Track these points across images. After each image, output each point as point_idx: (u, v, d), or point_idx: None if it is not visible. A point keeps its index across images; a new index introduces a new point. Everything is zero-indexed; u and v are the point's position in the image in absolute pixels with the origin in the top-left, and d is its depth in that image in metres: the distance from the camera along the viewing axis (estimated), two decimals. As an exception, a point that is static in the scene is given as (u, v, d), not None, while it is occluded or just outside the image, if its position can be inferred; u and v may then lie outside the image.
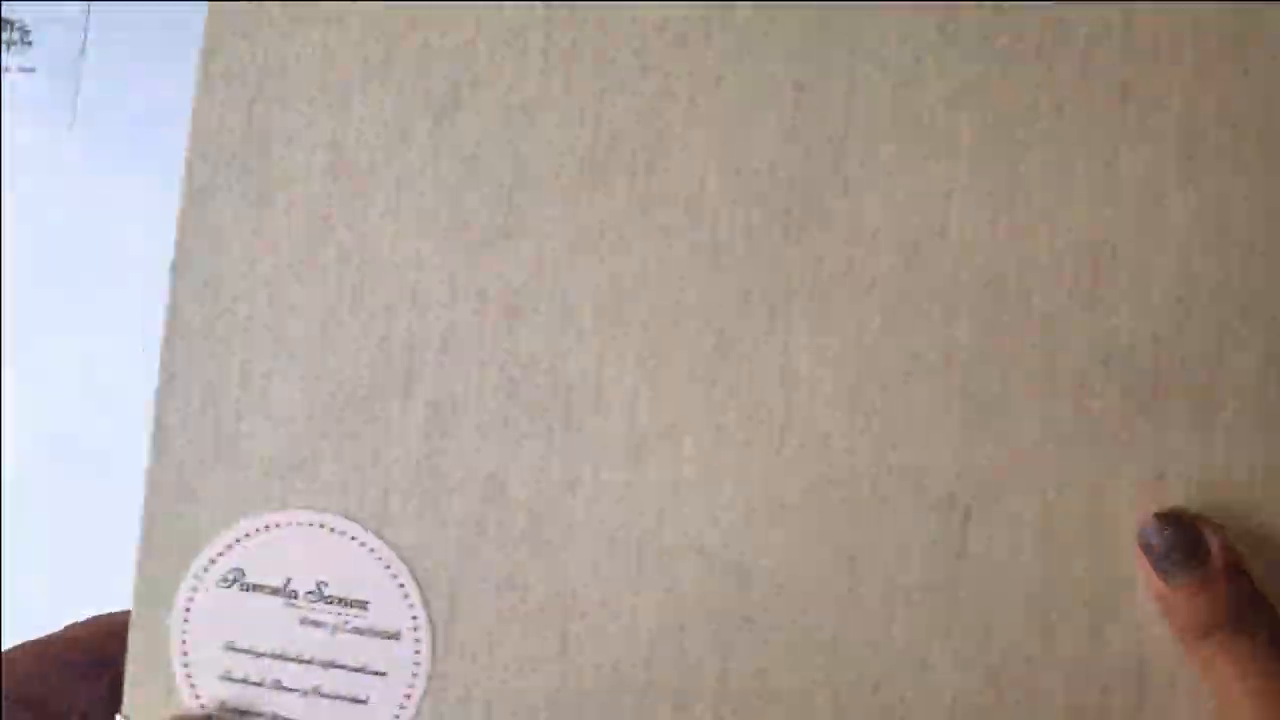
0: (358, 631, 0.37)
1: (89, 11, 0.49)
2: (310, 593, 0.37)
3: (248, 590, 0.37)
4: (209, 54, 0.37)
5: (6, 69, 0.41)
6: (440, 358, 0.37)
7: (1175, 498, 0.36)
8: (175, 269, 0.37)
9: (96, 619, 0.40)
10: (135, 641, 0.37)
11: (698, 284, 0.36)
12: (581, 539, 0.37)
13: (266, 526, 0.37)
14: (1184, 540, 0.35)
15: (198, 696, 0.37)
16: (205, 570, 0.37)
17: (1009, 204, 0.36)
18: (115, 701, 0.38)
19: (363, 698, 0.37)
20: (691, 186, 0.36)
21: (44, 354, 0.54)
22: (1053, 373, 0.36)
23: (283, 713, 0.37)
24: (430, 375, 0.37)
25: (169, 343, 0.37)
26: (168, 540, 0.37)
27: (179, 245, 0.37)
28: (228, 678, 0.37)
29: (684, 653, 0.36)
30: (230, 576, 0.37)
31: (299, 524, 0.37)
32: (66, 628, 0.40)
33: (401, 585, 0.37)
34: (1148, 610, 0.36)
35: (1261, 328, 0.36)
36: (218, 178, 0.37)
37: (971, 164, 0.36)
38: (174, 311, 0.37)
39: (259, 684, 0.37)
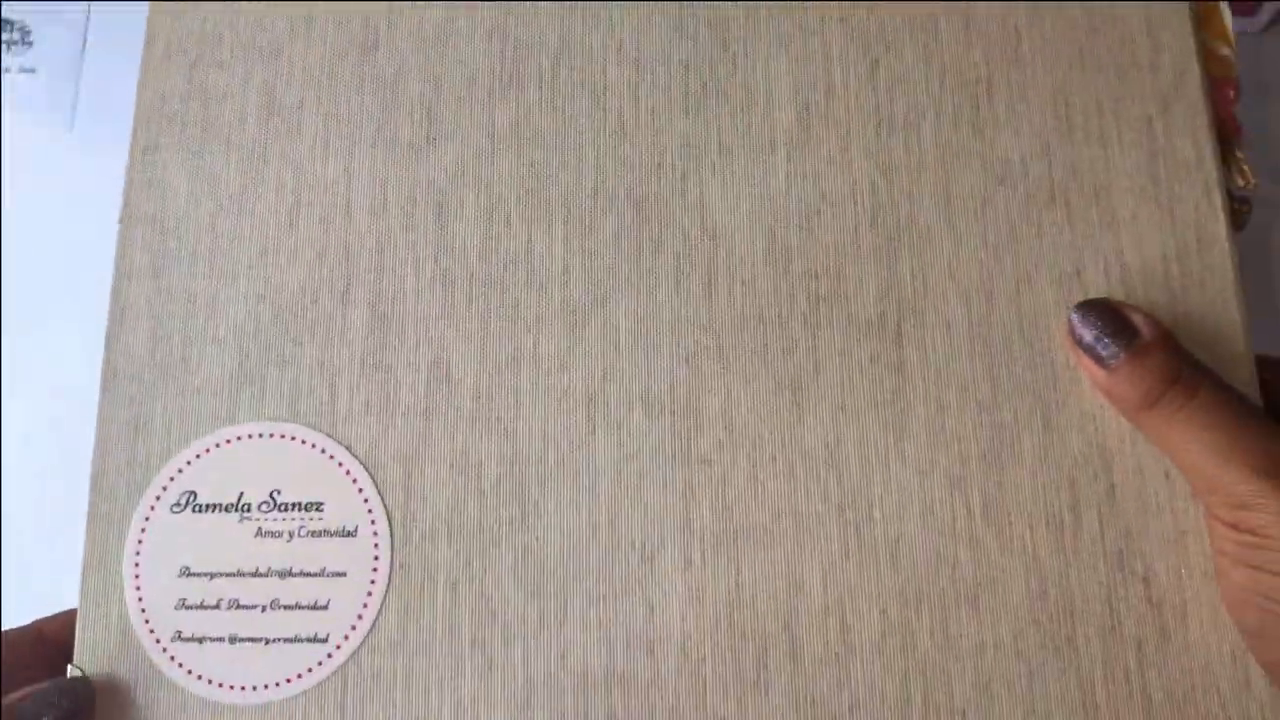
0: (314, 534, 0.36)
1: (89, 12, 0.51)
2: (264, 503, 0.37)
3: (201, 511, 0.37)
4: (151, 33, 0.41)
5: (6, 69, 0.43)
6: (376, 260, 0.38)
7: (1094, 288, 0.37)
8: (123, 220, 0.39)
9: (66, 613, 0.39)
10: (88, 582, 0.37)
11: (611, 161, 0.39)
12: (529, 409, 0.37)
13: (217, 444, 0.37)
14: (1110, 321, 0.36)
15: (151, 631, 0.36)
16: (158, 499, 0.37)
17: (885, 55, 0.39)
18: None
19: (323, 602, 0.36)
20: (595, 79, 0.40)
21: (43, 354, 0.54)
22: (953, 195, 0.38)
23: (242, 632, 0.36)
24: (368, 278, 0.38)
25: (117, 288, 0.39)
26: (119, 475, 0.37)
27: (126, 199, 0.40)
28: (183, 605, 0.36)
29: (647, 503, 0.36)
30: (183, 500, 0.37)
31: (249, 436, 0.37)
32: (34, 623, 0.39)
33: (355, 481, 0.37)
34: (1096, 403, 0.36)
35: (1135, 125, 0.38)
36: (161, 136, 0.40)
37: (845, 28, 0.40)
38: (122, 257, 0.39)
39: (215, 607, 0.36)
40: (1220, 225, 0.37)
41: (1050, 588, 0.35)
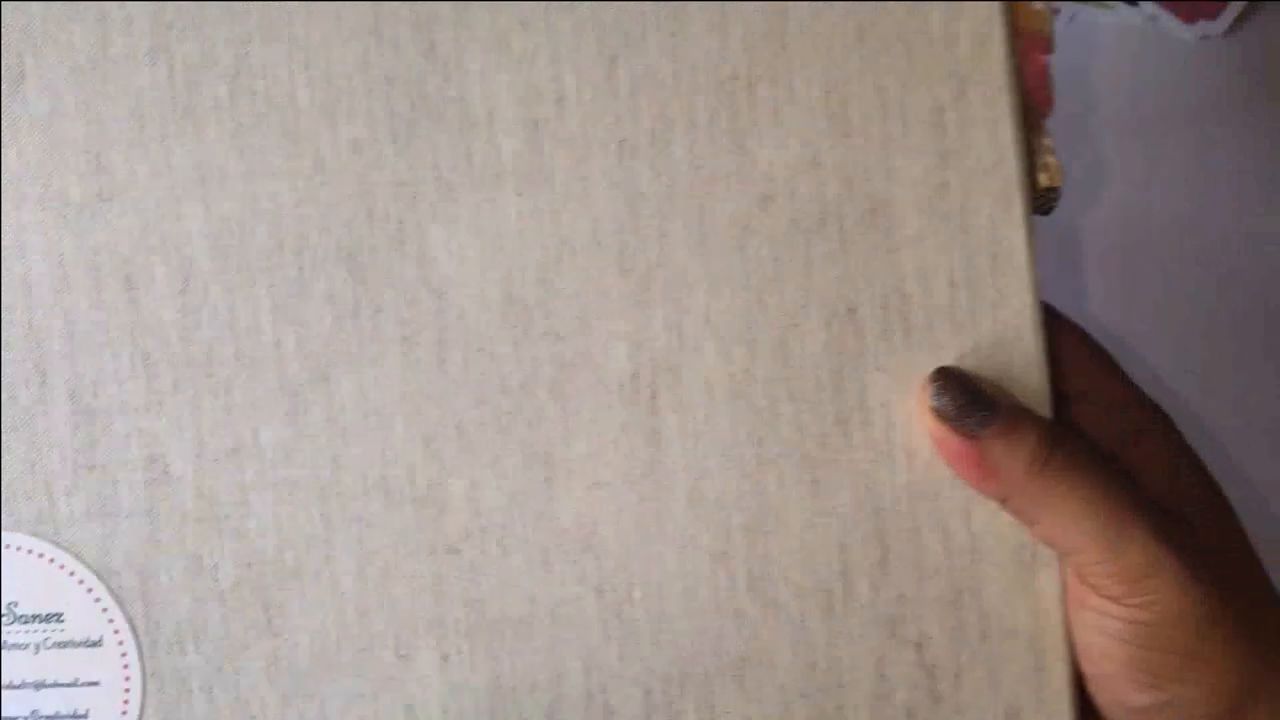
0: (60, 646, 0.35)
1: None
2: (3, 615, 0.35)
3: (-61, 627, 0.35)
4: None
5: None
6: (67, 344, 0.34)
7: (869, 329, 0.33)
8: None
9: None
10: None
11: (314, 210, 0.33)
12: (258, 505, 0.34)
13: (-60, 559, 0.35)
14: (968, 390, 0.32)
15: (-82, 746, 0.36)
16: (-108, 616, 0.35)
17: (624, 51, 0.32)
18: None
19: (82, 712, 0.35)
20: (283, 108, 0.33)
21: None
22: (709, 227, 0.33)
23: (6, 744, 0.35)
24: (61, 363, 0.34)
25: None
26: None
27: None
28: (-57, 720, 0.35)
29: (395, 599, 0.34)
30: (-82, 617, 0.35)
31: (-29, 549, 0.35)
32: None
33: (90, 590, 0.35)
34: (869, 459, 0.33)
35: (923, 120, 0.32)
36: None
37: (573, 18, 0.33)
38: None
39: (-25, 720, 0.35)
40: (1020, 236, 0.32)
41: (819, 659, 0.33)
